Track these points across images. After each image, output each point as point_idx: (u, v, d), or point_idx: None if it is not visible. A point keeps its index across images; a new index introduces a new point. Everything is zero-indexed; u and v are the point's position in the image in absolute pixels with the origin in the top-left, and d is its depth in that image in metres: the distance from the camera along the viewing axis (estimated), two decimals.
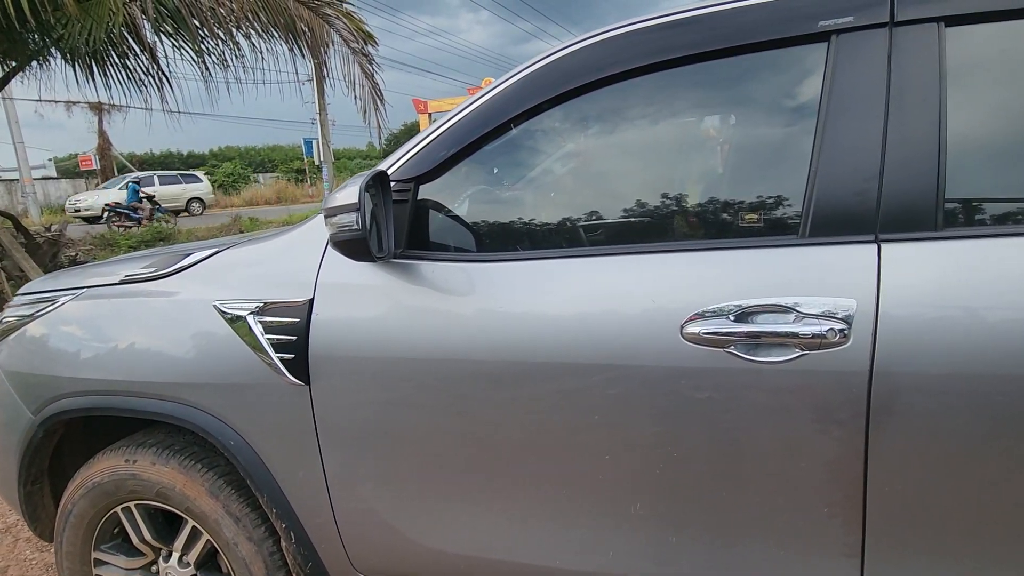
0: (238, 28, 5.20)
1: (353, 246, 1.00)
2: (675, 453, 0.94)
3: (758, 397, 0.88)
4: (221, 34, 5.13)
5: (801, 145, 0.93)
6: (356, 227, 0.97)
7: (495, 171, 1.31)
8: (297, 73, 6.41)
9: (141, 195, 13.61)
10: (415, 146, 1.14)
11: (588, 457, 0.99)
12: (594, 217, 1.15)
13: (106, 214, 12.89)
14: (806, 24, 0.93)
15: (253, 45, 5.53)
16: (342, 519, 1.18)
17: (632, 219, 1.12)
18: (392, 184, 1.12)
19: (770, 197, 1.01)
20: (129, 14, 4.56)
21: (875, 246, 0.85)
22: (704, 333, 0.89)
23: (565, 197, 1.32)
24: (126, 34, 4.91)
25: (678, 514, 0.97)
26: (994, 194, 0.90)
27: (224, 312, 1.18)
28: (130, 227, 11.83)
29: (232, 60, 5.44)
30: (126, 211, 12.82)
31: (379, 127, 6.98)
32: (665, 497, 0.97)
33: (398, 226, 1.11)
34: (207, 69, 5.38)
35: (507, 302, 1.03)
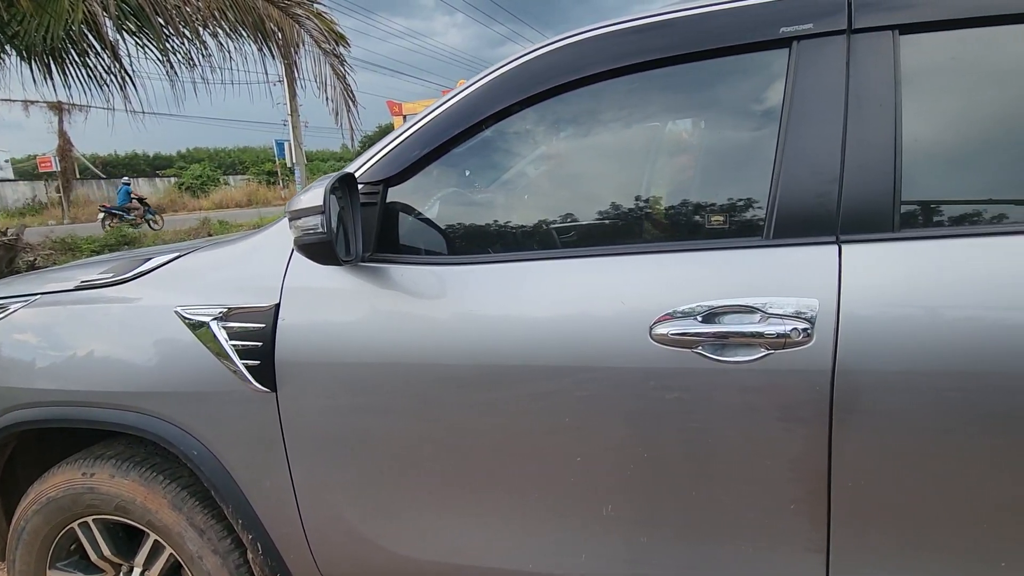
0: (205, 27, 5.09)
1: (318, 249, 0.98)
2: (645, 454, 0.95)
3: (725, 397, 0.89)
4: (187, 33, 5.00)
5: (766, 148, 0.95)
6: (321, 230, 0.95)
7: (467, 173, 1.30)
8: (267, 74, 6.32)
9: (132, 197, 14.56)
10: (383, 148, 1.13)
11: (560, 460, 0.99)
12: (565, 219, 1.16)
13: (101, 215, 13.62)
14: (769, 30, 0.95)
15: (221, 44, 5.41)
16: (311, 528, 1.16)
17: (602, 221, 1.13)
18: (360, 187, 1.10)
19: (736, 199, 1.03)
20: (89, 11, 4.41)
21: (836, 247, 0.87)
22: (672, 334, 0.90)
23: (536, 199, 1.32)
24: (86, 31, 4.75)
25: (649, 514, 0.98)
26: (947, 196, 0.93)
27: (186, 318, 1.15)
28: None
29: (199, 59, 5.32)
30: (119, 212, 13.73)
31: (351, 129, 6.90)
32: (636, 498, 0.98)
33: (367, 229, 1.09)
34: (172, 68, 5.24)
35: (478, 305, 1.02)
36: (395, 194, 1.14)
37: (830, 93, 0.91)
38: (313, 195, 0.96)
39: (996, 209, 0.90)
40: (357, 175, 1.11)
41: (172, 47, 5.13)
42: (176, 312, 1.16)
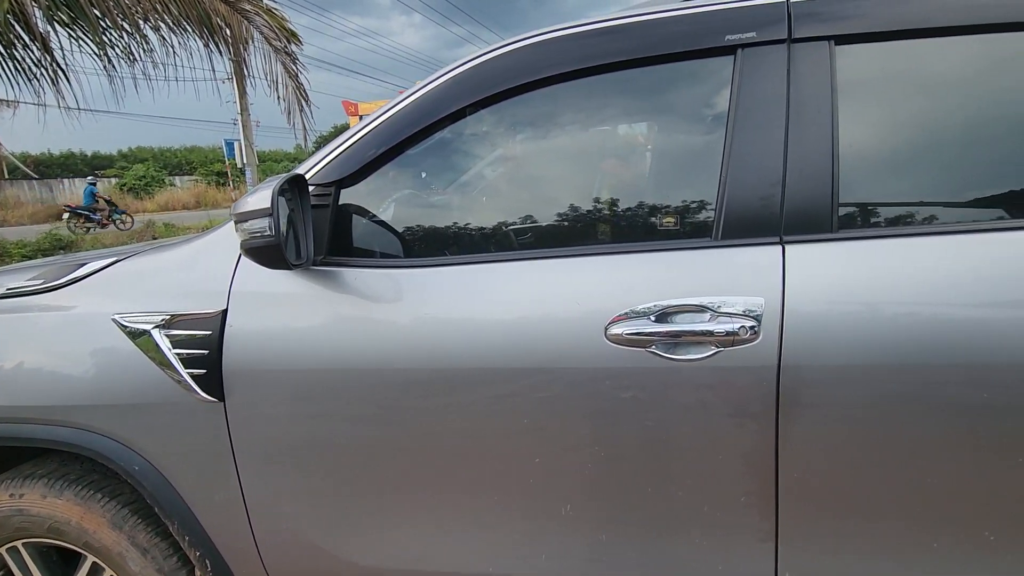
0: (145, 20, 4.85)
1: (266, 253, 0.95)
2: (603, 453, 0.96)
3: (678, 394, 0.92)
4: (126, 26, 4.75)
5: (714, 152, 0.98)
6: (269, 233, 0.92)
7: (423, 175, 1.29)
8: (214, 71, 6.07)
9: (97, 197, 14.23)
10: (335, 149, 1.10)
11: (519, 461, 0.99)
12: (521, 221, 1.16)
13: (66, 215, 13.33)
14: (715, 37, 0.98)
15: (163, 39, 5.17)
16: (263, 542, 1.12)
17: (558, 223, 1.14)
18: (311, 188, 1.07)
19: (687, 201, 1.06)
20: (16, 0, 4.14)
21: (780, 247, 0.91)
22: (627, 334, 0.91)
23: (493, 201, 1.32)
24: (12, 21, 4.44)
25: (608, 512, 0.99)
26: (881, 199, 0.98)
27: (125, 326, 1.09)
28: (90, 228, 12.95)
29: (139, 54, 5.06)
30: (85, 212, 13.45)
31: (304, 129, 6.73)
32: (594, 496, 0.99)
33: (318, 232, 1.07)
34: (111, 63, 4.97)
35: (435, 308, 1.01)
36: (348, 196, 1.12)
37: (772, 99, 0.94)
38: (260, 197, 0.93)
39: (927, 211, 0.95)
40: (307, 176, 1.08)
41: (110, 40, 4.87)
42: (114, 320, 1.10)
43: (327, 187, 1.09)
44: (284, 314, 1.06)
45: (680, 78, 1.07)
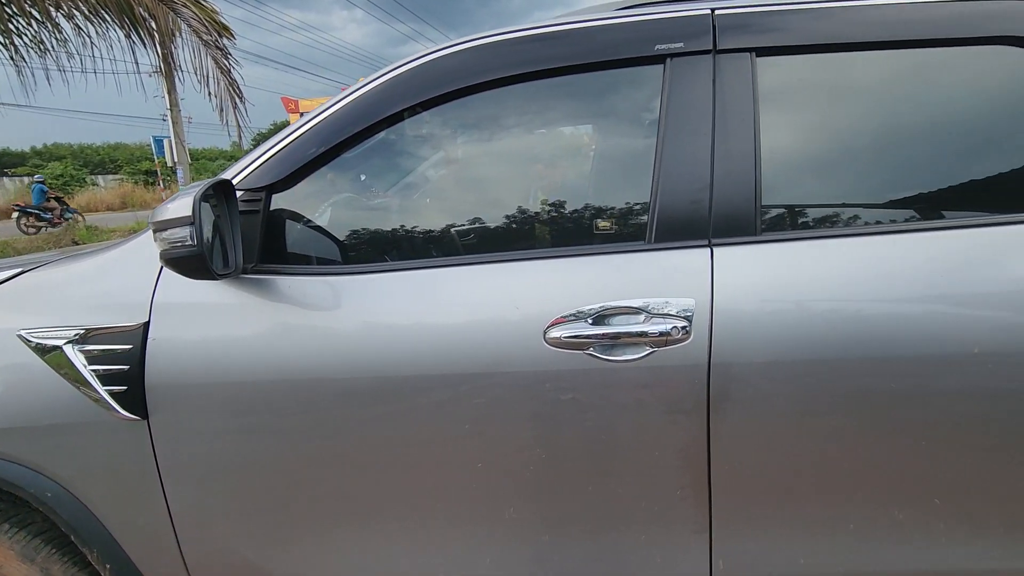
0: (57, 8, 4.49)
1: (188, 263, 0.90)
2: (544, 455, 0.97)
3: (616, 394, 0.94)
4: (35, 13, 4.39)
5: (648, 157, 1.01)
6: (191, 242, 0.87)
7: (362, 178, 1.26)
8: (138, 64, 5.69)
9: (49, 196, 13.52)
10: (264, 153, 1.06)
11: (461, 467, 0.99)
12: (461, 225, 1.15)
13: (16, 215, 12.85)
14: (646, 47, 1.01)
15: (79, 28, 4.81)
16: (195, 565, 1.07)
17: (497, 227, 1.14)
18: (240, 193, 1.03)
19: (622, 205, 1.08)
20: None
21: (708, 250, 0.94)
22: (565, 337, 0.92)
23: (432, 204, 1.31)
24: None
25: (550, 513, 1.00)
26: (800, 202, 1.04)
27: (31, 342, 1.01)
28: (41, 227, 12.42)
29: (52, 44, 4.69)
30: (36, 211, 12.93)
31: (239, 126, 6.43)
32: (537, 498, 1.00)
33: (248, 239, 1.02)
34: (17, 53, 4.58)
35: (373, 315, 0.99)
36: (281, 200, 1.08)
37: (699, 107, 0.98)
38: (181, 204, 0.88)
39: (842, 213, 1.01)
40: (235, 182, 1.03)
41: (16, 28, 4.48)
42: (20, 336, 1.02)
43: (257, 192, 1.04)
44: (213, 325, 1.01)
45: (615, 85, 1.10)
